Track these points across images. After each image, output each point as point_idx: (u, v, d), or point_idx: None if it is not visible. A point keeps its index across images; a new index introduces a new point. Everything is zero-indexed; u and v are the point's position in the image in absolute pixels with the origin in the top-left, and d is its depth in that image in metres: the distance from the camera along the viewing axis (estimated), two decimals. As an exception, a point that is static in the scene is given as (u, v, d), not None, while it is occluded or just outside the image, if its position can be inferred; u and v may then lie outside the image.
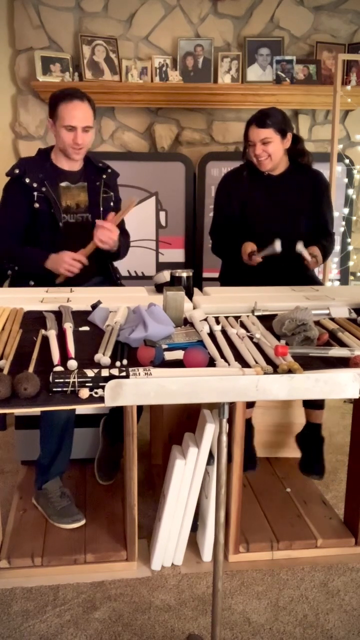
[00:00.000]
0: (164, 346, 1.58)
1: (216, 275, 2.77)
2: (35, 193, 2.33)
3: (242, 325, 1.79)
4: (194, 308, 1.97)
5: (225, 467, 1.41)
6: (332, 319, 1.88)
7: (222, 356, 1.54)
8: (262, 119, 2.41)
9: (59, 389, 1.33)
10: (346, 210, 3.75)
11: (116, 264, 2.57)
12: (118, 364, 1.46)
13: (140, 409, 2.29)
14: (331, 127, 3.35)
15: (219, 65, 3.62)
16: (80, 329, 1.76)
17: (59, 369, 1.43)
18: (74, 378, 1.33)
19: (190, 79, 3.60)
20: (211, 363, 1.50)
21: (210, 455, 1.92)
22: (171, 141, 3.76)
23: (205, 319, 1.85)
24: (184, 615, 1.81)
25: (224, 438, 1.38)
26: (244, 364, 1.50)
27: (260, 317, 1.88)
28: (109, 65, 3.55)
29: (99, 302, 1.89)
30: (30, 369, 1.43)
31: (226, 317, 1.87)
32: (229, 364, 1.49)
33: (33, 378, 1.31)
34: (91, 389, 1.32)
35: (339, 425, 3.05)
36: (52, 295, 2.09)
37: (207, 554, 2.03)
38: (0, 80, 3.61)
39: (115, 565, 2.00)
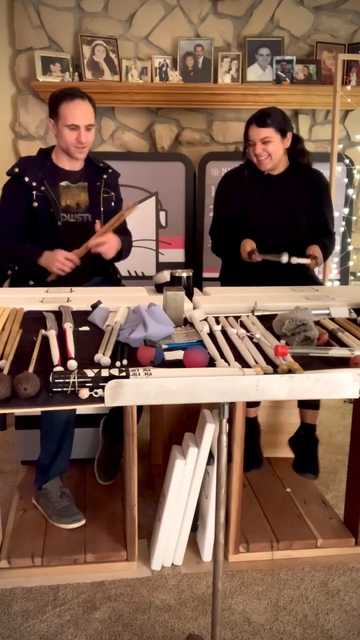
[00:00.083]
0: (164, 346, 1.58)
1: (216, 275, 2.77)
2: (34, 192, 2.33)
3: (242, 325, 1.79)
4: (194, 308, 1.97)
5: (225, 467, 1.41)
6: (332, 319, 1.88)
7: (222, 356, 1.54)
8: (262, 118, 2.42)
9: (59, 389, 1.33)
10: (346, 210, 3.75)
11: (116, 263, 2.57)
12: (118, 364, 1.46)
13: (140, 409, 2.29)
14: (331, 127, 3.35)
15: (219, 65, 3.62)
16: (80, 329, 1.76)
17: (59, 369, 1.43)
18: (74, 378, 1.33)
19: (190, 79, 3.60)
20: (211, 363, 1.50)
21: (210, 455, 1.92)
22: (171, 141, 3.76)
23: (205, 319, 1.85)
24: (184, 615, 1.81)
25: (224, 438, 1.38)
26: (244, 364, 1.49)
27: (260, 317, 1.88)
28: (109, 65, 3.55)
29: (99, 302, 1.89)
30: (30, 369, 1.43)
31: (226, 317, 1.87)
32: (229, 364, 1.49)
33: (33, 378, 1.31)
34: (91, 389, 1.32)
35: (339, 425, 3.05)
36: (52, 295, 2.09)
37: (207, 554, 2.03)
38: (0, 80, 3.61)
39: (115, 565, 2.00)
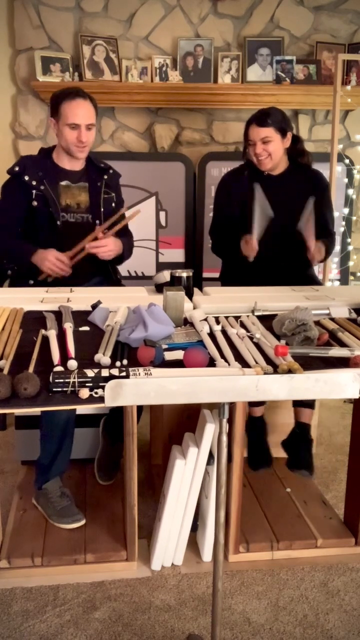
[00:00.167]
0: (164, 346, 1.58)
1: (216, 275, 2.77)
2: (34, 191, 2.34)
3: (242, 325, 1.79)
4: (194, 308, 1.97)
5: (225, 467, 1.41)
6: (332, 319, 1.88)
7: (222, 356, 1.54)
8: (262, 118, 2.42)
9: (59, 389, 1.33)
10: (346, 210, 3.75)
11: (116, 263, 2.58)
12: (118, 364, 1.46)
13: (140, 409, 2.29)
14: (331, 127, 3.35)
15: (219, 65, 3.62)
16: (80, 329, 1.76)
17: (59, 369, 1.43)
18: (74, 378, 1.33)
19: (190, 79, 3.60)
20: (211, 363, 1.50)
21: (210, 455, 1.92)
22: (171, 141, 3.76)
23: (205, 319, 1.85)
24: (184, 615, 1.81)
25: (224, 438, 1.38)
26: (244, 364, 1.50)
27: (260, 317, 1.88)
28: (109, 65, 3.55)
29: (99, 302, 1.89)
30: (30, 369, 1.43)
31: (226, 317, 1.87)
32: (229, 364, 1.49)
33: (33, 378, 1.31)
34: (91, 389, 1.32)
35: (339, 425, 3.05)
36: (52, 295, 2.09)
37: (207, 554, 2.03)
38: (0, 80, 3.61)
39: (115, 565, 2.00)
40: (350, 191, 3.75)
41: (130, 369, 1.38)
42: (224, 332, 1.74)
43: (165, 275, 2.22)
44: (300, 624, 1.79)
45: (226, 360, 1.51)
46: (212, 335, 1.71)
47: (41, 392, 1.32)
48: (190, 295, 2.09)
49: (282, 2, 3.65)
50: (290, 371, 1.40)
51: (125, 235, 2.48)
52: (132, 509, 1.94)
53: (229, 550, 2.03)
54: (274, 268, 2.42)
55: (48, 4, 3.50)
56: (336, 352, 1.55)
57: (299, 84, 3.61)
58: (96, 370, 1.37)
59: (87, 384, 1.33)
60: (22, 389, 1.29)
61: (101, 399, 1.28)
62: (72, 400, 1.32)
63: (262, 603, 1.87)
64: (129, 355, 1.54)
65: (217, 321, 1.82)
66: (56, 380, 1.33)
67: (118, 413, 2.26)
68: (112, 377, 1.33)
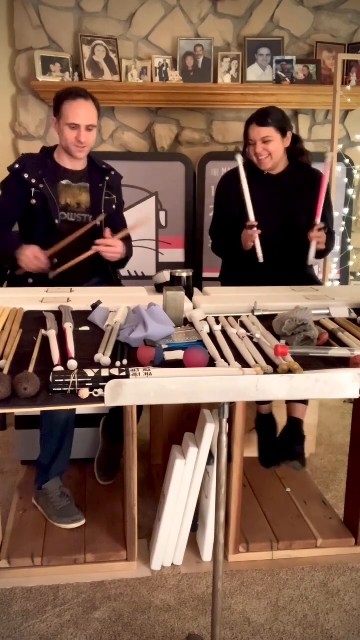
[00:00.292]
0: (164, 346, 1.58)
1: (216, 275, 2.77)
2: (33, 189, 2.34)
3: (242, 325, 1.79)
4: (194, 308, 1.97)
5: (225, 467, 1.41)
6: (332, 319, 1.88)
7: (222, 356, 1.54)
8: (262, 117, 2.42)
9: (59, 389, 1.33)
10: (346, 210, 3.75)
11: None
12: (118, 364, 1.46)
13: (140, 409, 2.29)
14: (331, 127, 3.35)
15: (219, 65, 3.62)
16: (80, 329, 1.76)
17: (59, 369, 1.43)
18: (74, 378, 1.33)
19: (190, 79, 3.60)
20: (211, 363, 1.50)
21: (210, 455, 1.92)
22: (171, 141, 3.76)
23: (205, 319, 1.85)
24: (184, 615, 1.81)
25: (224, 438, 1.38)
26: (244, 364, 1.49)
27: (260, 317, 1.88)
28: (109, 65, 3.55)
29: (99, 302, 1.89)
30: (30, 369, 1.43)
31: (226, 317, 1.87)
32: (229, 364, 1.48)
33: (33, 378, 1.31)
34: (91, 389, 1.32)
35: (339, 425, 3.05)
36: (52, 295, 2.09)
37: (207, 554, 2.03)
38: (0, 80, 3.61)
39: (115, 565, 2.00)
40: (350, 191, 3.75)
41: (130, 369, 1.38)
42: (224, 332, 1.74)
43: (165, 275, 2.22)
44: (300, 624, 1.79)
45: (226, 360, 1.51)
46: (212, 335, 1.71)
47: (41, 392, 1.32)
48: (190, 295, 2.09)
49: (282, 2, 3.65)
50: (290, 371, 1.40)
51: (125, 238, 2.48)
52: (132, 509, 1.94)
53: (229, 550, 2.03)
54: (273, 268, 2.42)
55: (48, 4, 3.50)
56: (336, 352, 1.55)
57: (299, 84, 3.61)
58: (96, 370, 1.37)
59: (87, 384, 1.33)
60: (22, 389, 1.29)
61: (101, 399, 1.28)
62: (72, 400, 1.32)
63: (262, 603, 1.87)
64: (129, 355, 1.54)
65: (217, 321, 1.82)
66: (56, 380, 1.33)
67: (118, 413, 2.26)
68: (112, 377, 1.33)
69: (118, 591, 1.91)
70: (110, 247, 2.31)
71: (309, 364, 1.50)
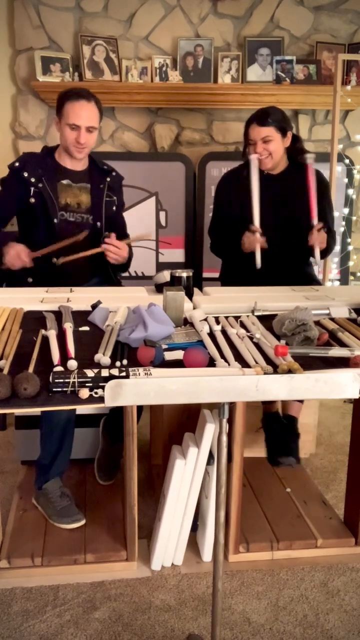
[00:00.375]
0: (164, 346, 1.58)
1: (216, 275, 2.77)
2: (32, 188, 2.34)
3: (242, 325, 1.79)
4: (194, 308, 1.97)
5: (225, 467, 1.41)
6: (332, 319, 1.88)
7: (222, 356, 1.54)
8: (263, 117, 2.42)
9: (59, 389, 1.33)
10: (346, 210, 3.75)
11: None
12: (118, 364, 1.46)
13: (140, 409, 2.29)
14: (331, 127, 3.35)
15: (219, 65, 3.62)
16: (80, 329, 1.76)
17: (59, 369, 1.43)
18: (74, 378, 1.33)
19: (190, 79, 3.60)
20: (211, 363, 1.50)
21: (210, 455, 1.92)
22: (171, 141, 3.76)
23: (205, 319, 1.85)
24: (184, 615, 1.81)
25: (224, 438, 1.38)
26: (244, 364, 1.50)
27: (260, 317, 1.88)
28: (109, 65, 3.55)
29: (99, 302, 1.89)
30: (30, 369, 1.43)
31: (226, 317, 1.87)
32: (229, 364, 1.49)
33: (33, 378, 1.31)
34: (91, 389, 1.32)
35: (339, 425, 3.05)
36: (52, 295, 2.09)
37: (207, 554, 2.03)
38: (0, 80, 3.61)
39: (115, 565, 2.00)
40: (350, 191, 3.75)
41: (130, 369, 1.39)
42: (223, 332, 1.74)
43: (165, 275, 2.22)
44: (300, 624, 1.79)
45: (226, 360, 1.51)
46: (212, 335, 1.71)
47: (41, 392, 1.32)
48: (190, 295, 2.09)
49: (282, 2, 3.65)
50: (290, 371, 1.40)
51: (125, 238, 2.48)
52: (132, 509, 1.94)
53: (229, 550, 2.03)
54: (273, 268, 2.42)
55: (48, 4, 3.50)
56: (336, 352, 1.55)
57: (299, 84, 3.61)
58: (96, 370, 1.38)
59: (87, 384, 1.33)
60: (22, 389, 1.29)
61: (101, 399, 1.28)
62: (72, 400, 1.32)
63: (262, 603, 1.87)
64: (129, 355, 1.54)
65: (217, 321, 1.82)
66: (56, 380, 1.34)
67: (118, 413, 2.26)
68: (112, 377, 1.33)
69: (118, 591, 1.91)
70: (117, 249, 2.31)
71: (309, 364, 1.50)
